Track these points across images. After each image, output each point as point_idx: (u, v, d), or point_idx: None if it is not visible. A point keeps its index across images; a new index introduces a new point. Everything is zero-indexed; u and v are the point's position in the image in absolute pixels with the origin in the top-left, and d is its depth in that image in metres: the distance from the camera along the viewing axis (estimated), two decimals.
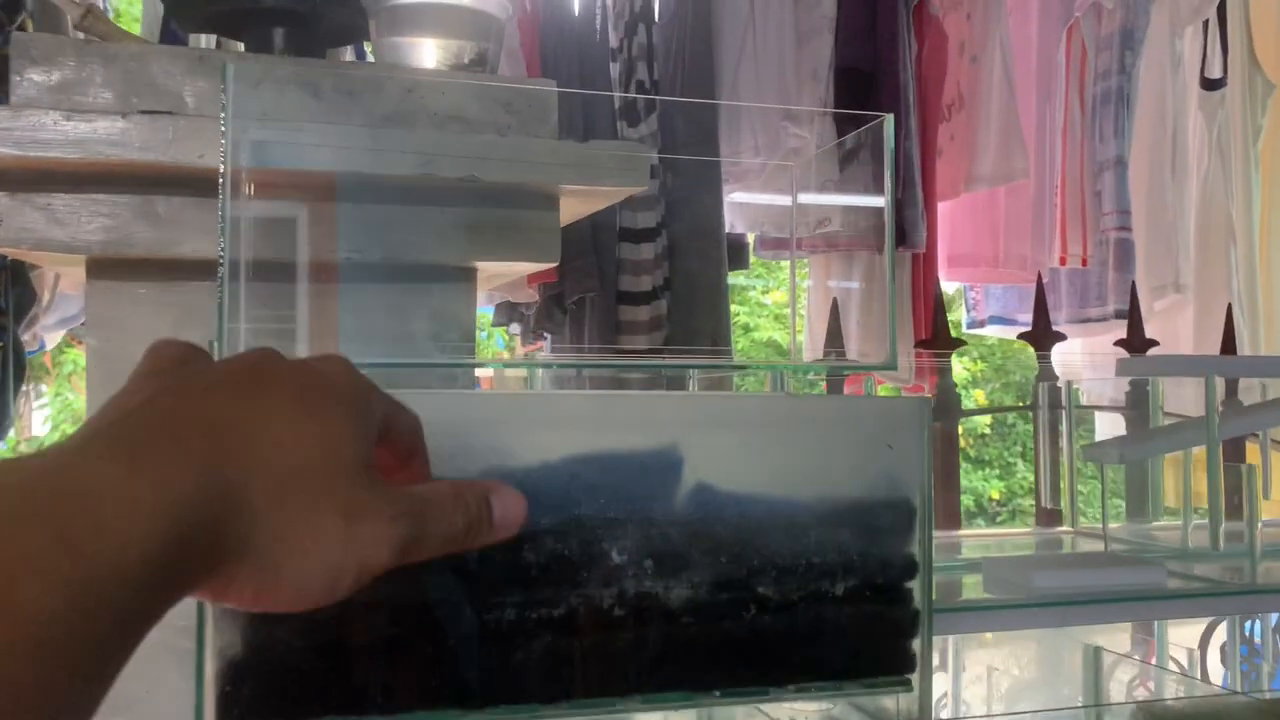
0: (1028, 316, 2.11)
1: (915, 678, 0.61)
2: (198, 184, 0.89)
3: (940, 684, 0.89)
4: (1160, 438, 0.97)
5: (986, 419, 6.38)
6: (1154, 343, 1.48)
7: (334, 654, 0.52)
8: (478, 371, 0.94)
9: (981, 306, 2.17)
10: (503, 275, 1.12)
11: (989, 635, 1.13)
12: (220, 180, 0.69)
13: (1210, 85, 2.05)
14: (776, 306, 5.83)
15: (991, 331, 2.17)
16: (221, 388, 0.35)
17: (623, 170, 0.95)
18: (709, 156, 1.73)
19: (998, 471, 6.37)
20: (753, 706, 0.65)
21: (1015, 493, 6.30)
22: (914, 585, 0.61)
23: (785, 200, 1.84)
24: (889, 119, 0.83)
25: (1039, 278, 1.47)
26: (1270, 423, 0.92)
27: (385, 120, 0.95)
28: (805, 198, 1.14)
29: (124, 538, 0.28)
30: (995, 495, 6.23)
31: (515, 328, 1.73)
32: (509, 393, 0.54)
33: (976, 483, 6.03)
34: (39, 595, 0.26)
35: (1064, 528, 1.26)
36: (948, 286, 1.85)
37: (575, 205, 1.04)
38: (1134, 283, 1.47)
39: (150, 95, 0.88)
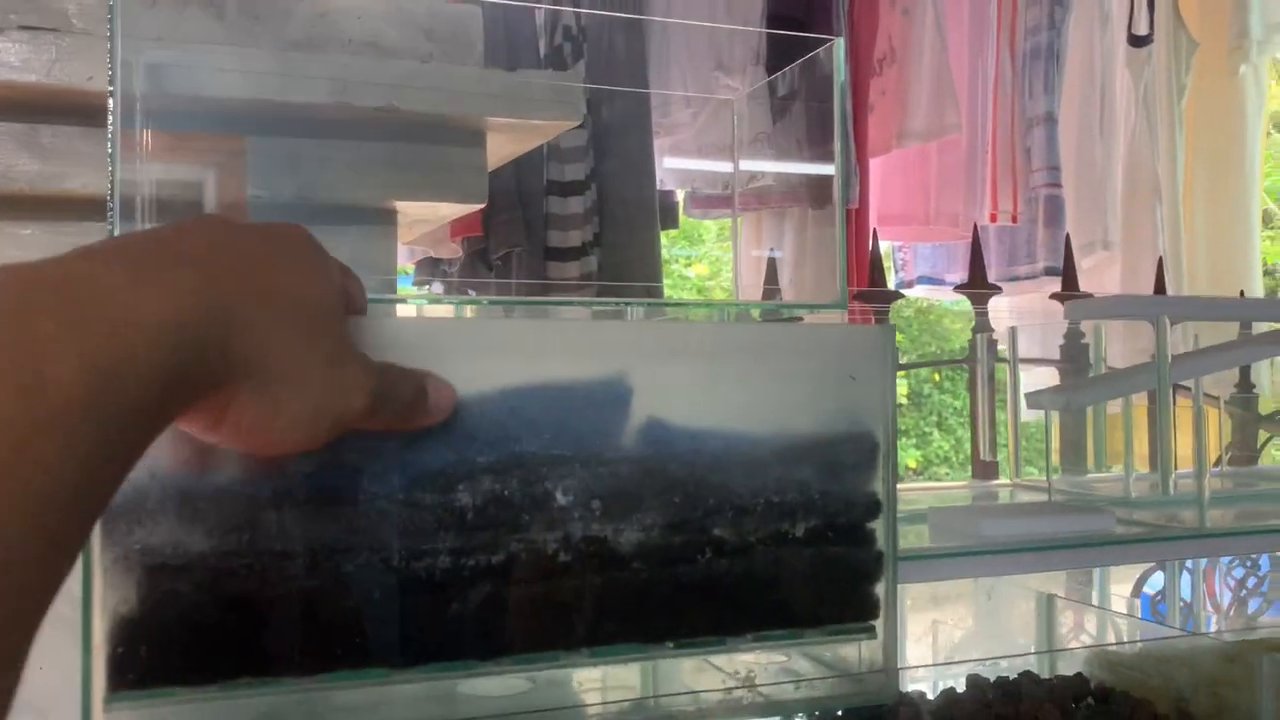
0: (956, 276, 2.10)
1: (879, 624, 0.57)
2: (87, 111, 0.81)
3: None
4: (1106, 383, 0.96)
5: (903, 390, 6.46)
6: (1088, 296, 1.47)
7: (244, 609, 0.46)
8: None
9: (910, 267, 2.16)
10: (425, 220, 1.05)
11: (921, 590, 1.11)
12: (110, 104, 0.62)
13: (1137, 42, 2.05)
14: (699, 279, 5.81)
15: (920, 291, 2.16)
16: (205, 230, 0.36)
17: (554, 102, 0.89)
18: (639, 113, 1.67)
19: (914, 440, 6.47)
20: (703, 659, 0.61)
21: (932, 461, 6.41)
22: (877, 526, 0.57)
23: (718, 155, 1.79)
24: (839, 42, 0.79)
25: (974, 230, 1.45)
26: (1216, 366, 0.91)
27: (295, 47, 0.88)
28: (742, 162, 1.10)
29: (132, 334, 0.29)
30: (913, 464, 6.33)
31: (438, 286, 1.66)
32: (443, 319, 0.49)
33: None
34: (59, 375, 0.26)
35: (1003, 480, 1.24)
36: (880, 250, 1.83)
37: (503, 144, 0.98)
38: (1068, 236, 1.46)
39: (31, 11, 0.79)
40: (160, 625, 0.45)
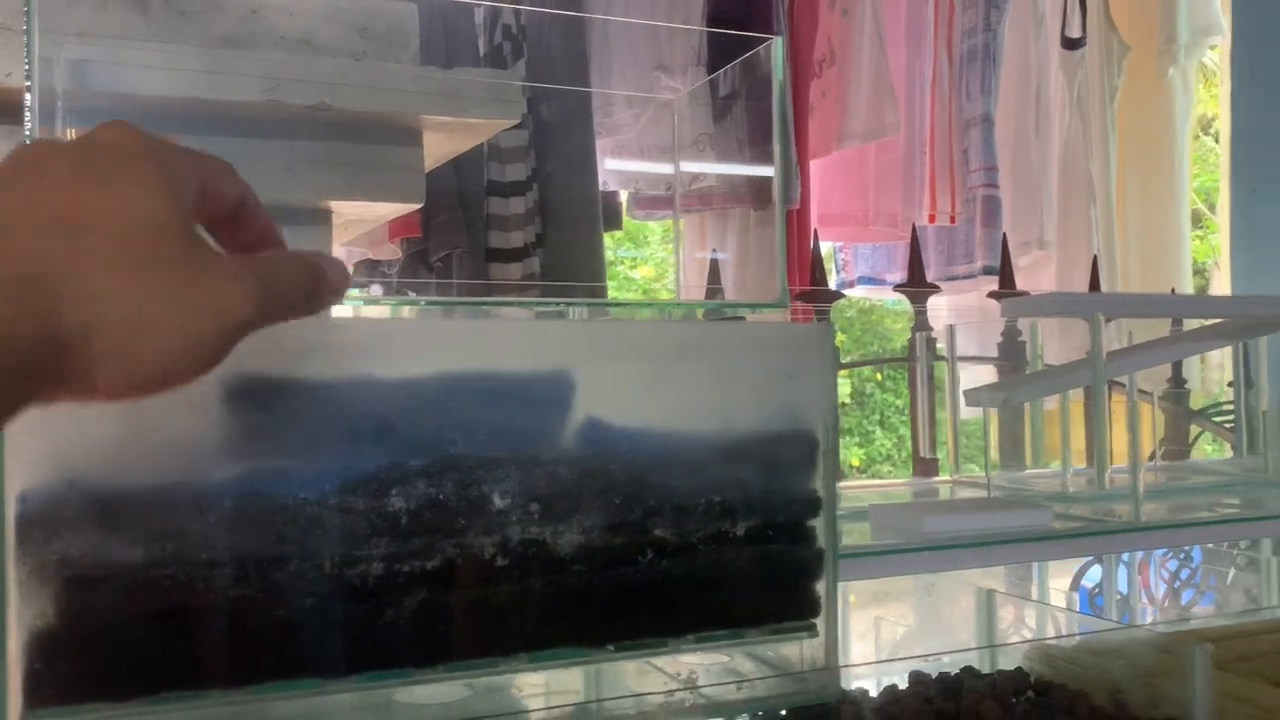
0: (896, 276, 2.12)
1: (820, 623, 0.57)
2: (6, 108, 0.79)
3: None
4: (1043, 380, 0.97)
5: (846, 389, 6.53)
6: (1024, 294, 1.49)
7: (169, 621, 0.45)
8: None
9: (851, 267, 2.17)
10: (362, 221, 1.04)
11: (864, 587, 1.12)
12: (27, 100, 0.60)
13: (1071, 45, 2.09)
14: (645, 281, 5.82)
15: (861, 291, 2.18)
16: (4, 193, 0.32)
17: (492, 101, 0.88)
18: (581, 113, 1.66)
19: (858, 439, 6.55)
20: (645, 662, 0.60)
21: (875, 459, 6.48)
22: (818, 524, 0.57)
23: (660, 156, 1.78)
24: (778, 40, 0.79)
25: (913, 230, 1.47)
26: (1150, 362, 0.92)
27: (225, 44, 0.86)
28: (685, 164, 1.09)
29: None
30: (856, 463, 6.39)
31: (377, 289, 1.63)
32: (376, 318, 0.48)
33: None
34: None
35: (943, 477, 1.25)
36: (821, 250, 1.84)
37: (440, 143, 0.96)
38: (1005, 235, 1.48)
39: None
40: (80, 639, 0.43)
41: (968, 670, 0.79)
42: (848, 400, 6.41)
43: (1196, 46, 2.16)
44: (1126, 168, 2.17)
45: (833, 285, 2.23)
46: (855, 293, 2.20)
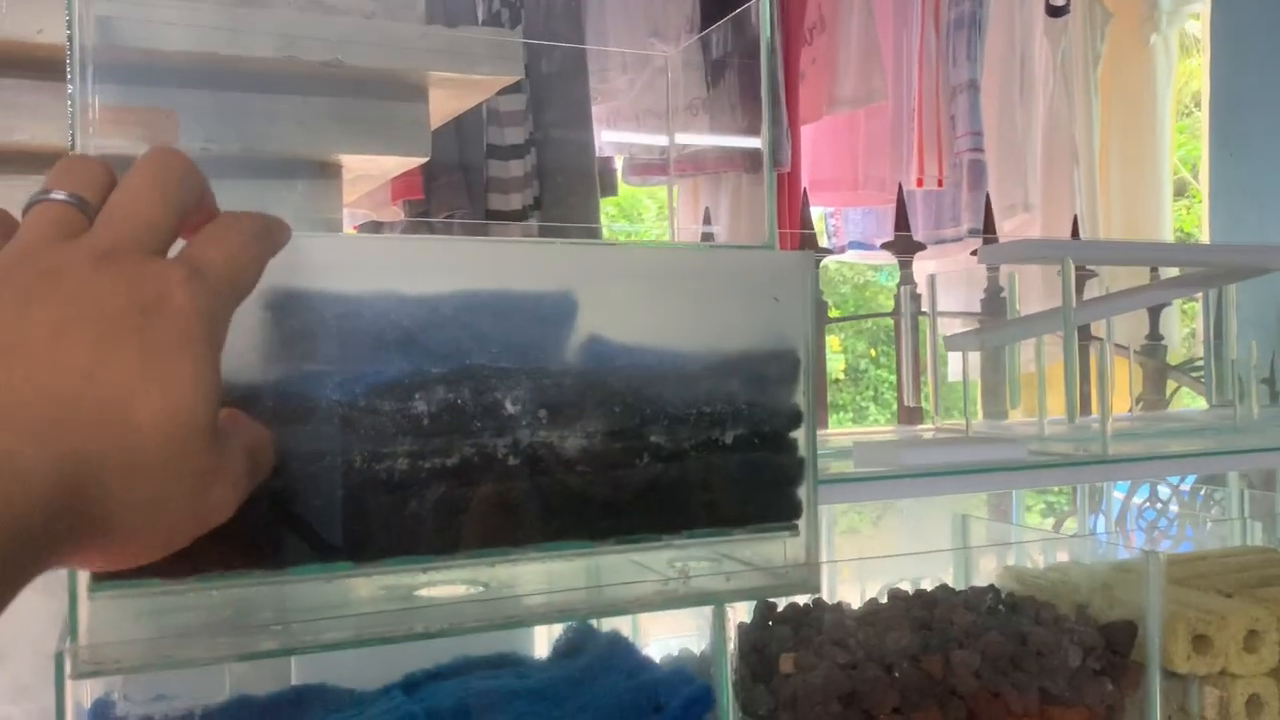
0: (885, 240, 2.18)
1: (801, 524, 0.62)
2: (37, 63, 0.83)
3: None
4: (1017, 325, 1.02)
5: (840, 364, 6.60)
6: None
7: None
8: None
9: (841, 233, 2.23)
10: (369, 177, 1.08)
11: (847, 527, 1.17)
12: (68, 57, 0.64)
13: (1055, 12, 2.14)
14: None
15: (851, 256, 2.23)
16: (65, 340, 0.32)
17: (495, 58, 0.93)
18: (577, 78, 1.71)
19: (851, 415, 6.62)
20: (640, 566, 0.66)
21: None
22: (799, 434, 0.62)
23: (654, 121, 1.82)
24: None
25: (899, 190, 1.52)
26: (1121, 308, 0.98)
27: (240, 3, 0.90)
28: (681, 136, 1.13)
29: None
30: None
31: None
32: (398, 237, 0.53)
33: (831, 426, 6.23)
34: None
35: (926, 425, 1.31)
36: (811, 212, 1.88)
37: (445, 101, 1.01)
38: (988, 196, 1.53)
39: None
40: None
41: (942, 587, 0.85)
42: (841, 376, 6.49)
43: (1178, 14, 2.21)
44: (1109, 133, 2.23)
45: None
46: (846, 258, 2.25)
